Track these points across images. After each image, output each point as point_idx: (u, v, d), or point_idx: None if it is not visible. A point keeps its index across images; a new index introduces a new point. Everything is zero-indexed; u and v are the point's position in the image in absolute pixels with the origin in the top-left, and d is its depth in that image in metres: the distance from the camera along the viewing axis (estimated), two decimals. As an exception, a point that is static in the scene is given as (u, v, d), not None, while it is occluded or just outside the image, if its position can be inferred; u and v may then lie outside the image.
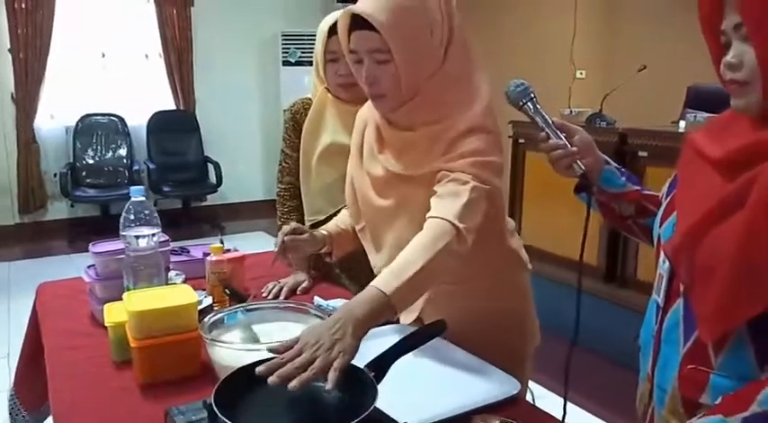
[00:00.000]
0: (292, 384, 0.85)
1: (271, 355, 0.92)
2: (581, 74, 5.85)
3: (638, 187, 1.17)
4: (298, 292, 1.69)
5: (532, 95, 1.18)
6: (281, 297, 1.66)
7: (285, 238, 1.38)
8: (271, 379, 0.86)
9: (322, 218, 1.76)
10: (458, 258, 1.13)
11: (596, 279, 3.31)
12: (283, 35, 6.09)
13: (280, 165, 1.90)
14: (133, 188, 1.43)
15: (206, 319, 1.20)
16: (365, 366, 0.94)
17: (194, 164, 5.87)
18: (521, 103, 1.18)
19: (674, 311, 0.97)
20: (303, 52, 6.11)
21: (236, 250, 1.74)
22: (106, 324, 1.28)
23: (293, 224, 1.43)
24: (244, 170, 6.26)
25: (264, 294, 1.68)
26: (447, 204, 1.15)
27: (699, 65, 4.92)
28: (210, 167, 5.82)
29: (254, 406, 0.89)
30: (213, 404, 0.85)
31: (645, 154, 3.05)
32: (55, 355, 1.35)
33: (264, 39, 6.21)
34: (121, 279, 1.45)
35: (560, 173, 1.15)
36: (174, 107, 5.94)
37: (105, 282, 1.49)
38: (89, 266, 1.58)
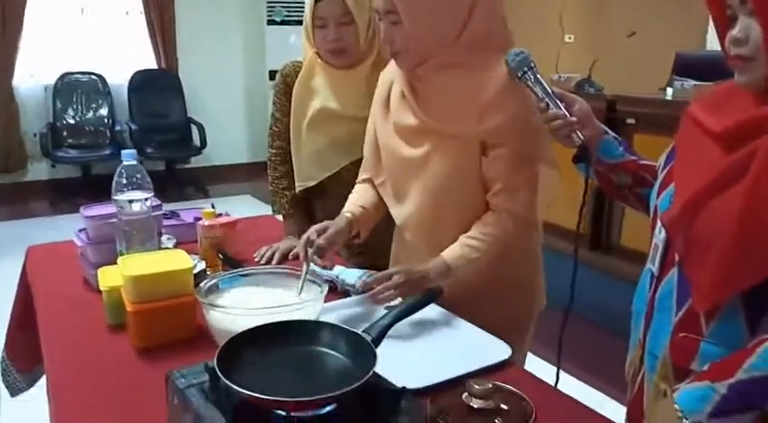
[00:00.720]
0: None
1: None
2: (569, 38, 5.82)
3: (635, 157, 1.18)
4: (290, 257, 1.69)
5: (532, 64, 1.18)
6: (274, 262, 1.67)
7: (319, 242, 1.35)
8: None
9: (312, 184, 1.77)
10: None
11: (582, 246, 3.35)
12: (269, -6, 5.96)
13: (270, 129, 1.88)
14: (125, 152, 1.41)
15: (202, 284, 1.20)
16: (363, 331, 0.96)
17: (177, 125, 5.79)
18: (520, 73, 1.18)
19: (668, 280, 0.99)
20: (289, 11, 6.00)
21: (227, 215, 1.74)
22: (101, 288, 1.28)
23: (315, 227, 1.40)
24: (228, 132, 6.19)
25: (257, 259, 1.69)
26: (511, 197, 1.30)
27: (686, 32, 4.93)
28: (194, 129, 5.74)
29: (255, 369, 0.89)
30: (216, 366, 0.86)
31: (633, 121, 3.07)
32: (48, 319, 1.36)
33: (248, -2, 6.08)
34: (113, 243, 1.45)
35: (560, 142, 1.17)
36: (155, 66, 5.82)
37: (97, 246, 1.48)
38: (80, 230, 1.57)
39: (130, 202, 1.37)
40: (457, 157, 1.29)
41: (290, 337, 0.95)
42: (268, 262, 1.67)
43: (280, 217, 1.93)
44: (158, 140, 5.59)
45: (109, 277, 1.31)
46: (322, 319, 1.17)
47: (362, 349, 0.91)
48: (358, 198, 1.52)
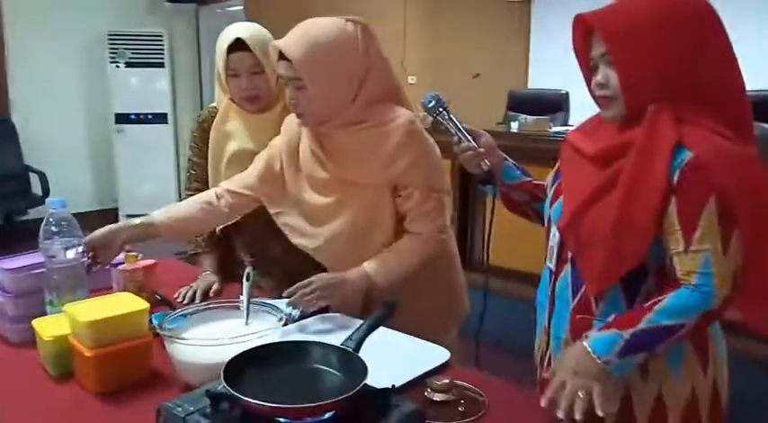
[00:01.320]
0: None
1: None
2: (412, 79, 6.30)
3: (530, 178, 1.42)
4: (211, 294, 1.74)
5: (445, 105, 1.38)
6: (197, 300, 1.70)
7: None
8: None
9: (234, 220, 1.80)
10: None
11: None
12: (110, 34, 5.75)
13: (188, 172, 1.96)
14: (52, 199, 1.42)
15: (161, 323, 1.23)
16: (343, 343, 1.08)
17: (14, 174, 5.32)
18: (435, 114, 1.38)
19: (563, 275, 1.22)
20: (134, 53, 5.84)
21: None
22: (45, 338, 1.25)
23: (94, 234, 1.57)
24: (72, 179, 5.80)
25: (179, 299, 1.71)
26: (426, 221, 1.48)
27: (513, 72, 5.59)
28: (33, 178, 5.32)
29: (256, 386, 0.96)
30: (224, 383, 0.93)
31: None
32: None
33: (89, 38, 5.81)
34: (37, 294, 1.41)
35: (470, 170, 1.38)
36: (-15, 111, 5.34)
37: (19, 299, 1.42)
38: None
39: (65, 249, 1.35)
40: (367, 202, 1.48)
41: (283, 356, 1.05)
42: (191, 301, 1.70)
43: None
44: (-8, 191, 5.10)
45: (48, 327, 1.28)
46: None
47: (351, 361, 1.03)
48: (172, 209, 1.70)
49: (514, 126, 3.64)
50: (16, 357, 1.37)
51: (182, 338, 1.19)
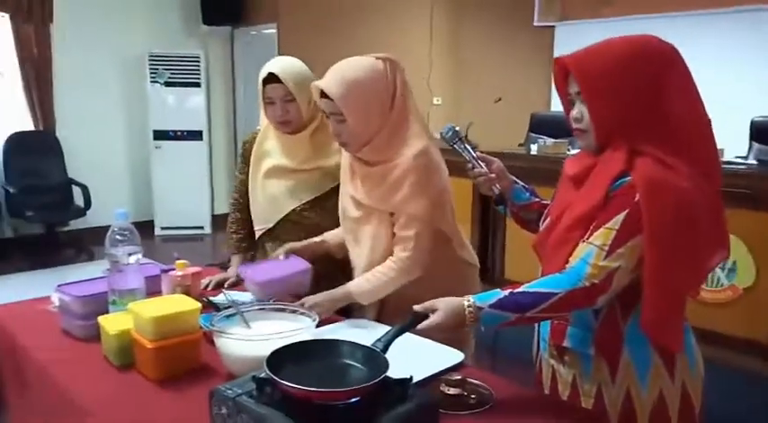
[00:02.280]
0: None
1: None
2: (437, 100, 6.49)
3: (538, 199, 1.59)
4: (225, 286, 2.03)
5: (461, 136, 1.56)
6: (210, 288, 2.01)
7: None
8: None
9: (270, 226, 2.09)
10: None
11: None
12: (151, 56, 6.07)
13: (234, 185, 2.26)
14: (118, 211, 1.61)
15: (212, 321, 1.42)
16: (373, 344, 1.25)
17: (58, 186, 5.63)
18: (452, 143, 1.56)
19: None
20: (173, 73, 6.14)
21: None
22: (111, 333, 1.45)
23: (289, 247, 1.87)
24: (111, 192, 6.10)
25: (203, 287, 1.99)
26: (402, 246, 1.68)
27: (536, 95, 5.74)
28: (76, 190, 5.62)
29: (294, 375, 1.12)
30: (267, 370, 1.11)
31: (506, 173, 3.61)
32: (53, 368, 1.47)
33: (131, 58, 6.14)
34: (98, 295, 1.62)
35: (483, 192, 1.55)
36: (32, 128, 5.66)
37: (84, 299, 1.62)
38: (60, 285, 1.70)
39: (129, 255, 1.55)
40: (377, 221, 1.73)
41: (317, 352, 1.22)
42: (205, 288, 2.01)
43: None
44: (37, 203, 5.40)
45: (113, 323, 1.48)
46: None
47: (375, 358, 1.20)
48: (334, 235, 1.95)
49: (534, 148, 3.78)
50: (82, 351, 1.56)
51: (230, 334, 1.38)
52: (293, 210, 2.05)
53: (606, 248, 1.19)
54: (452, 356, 1.50)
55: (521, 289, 1.24)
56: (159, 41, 6.23)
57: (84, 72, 5.90)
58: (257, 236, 2.13)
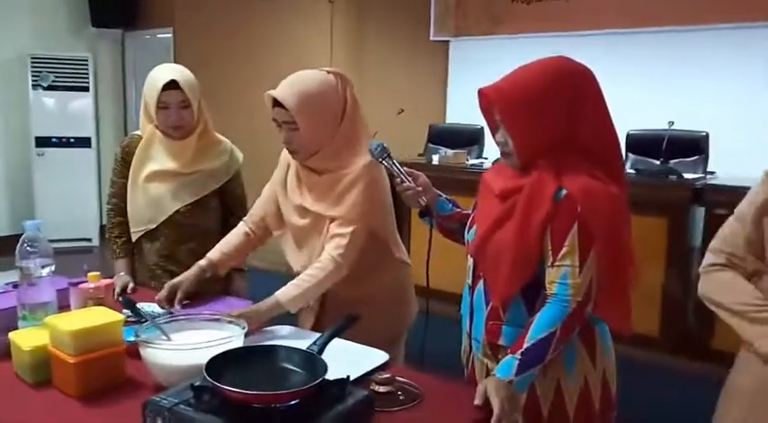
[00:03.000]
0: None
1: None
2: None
3: (459, 209, 1.68)
4: (128, 291, 2.06)
5: (388, 152, 1.64)
6: (115, 297, 1.92)
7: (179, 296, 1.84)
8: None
9: (153, 227, 2.16)
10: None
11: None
12: (33, 58, 5.69)
13: (109, 189, 2.28)
14: (28, 222, 1.53)
15: (137, 332, 1.38)
16: (308, 347, 1.28)
17: (-76, 197, 5.13)
18: (380, 159, 1.63)
19: (478, 288, 1.48)
20: (57, 76, 5.78)
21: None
22: (24, 349, 1.37)
23: (169, 283, 1.87)
24: (-13, 203, 5.65)
25: None
26: (334, 245, 1.73)
27: (433, 107, 5.94)
28: (-54, 201, 5.15)
29: (233, 380, 1.14)
30: (206, 375, 1.11)
31: (411, 182, 3.74)
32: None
33: (9, 60, 5.71)
34: (6, 311, 1.53)
35: (410, 205, 1.64)
36: None
37: (-8, 315, 1.53)
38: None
39: (42, 267, 1.48)
40: (326, 229, 1.78)
41: (254, 357, 1.24)
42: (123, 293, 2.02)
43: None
44: None
45: (26, 339, 1.40)
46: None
47: (313, 361, 1.24)
48: (224, 245, 1.98)
49: (435, 159, 3.95)
50: (-12, 368, 1.47)
51: (160, 344, 1.35)
52: (177, 211, 2.15)
53: (576, 264, 1.31)
54: (379, 357, 1.56)
55: (526, 345, 1.31)
56: (42, 43, 5.85)
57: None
58: (134, 238, 2.19)
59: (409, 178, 1.59)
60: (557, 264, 1.33)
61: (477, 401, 1.28)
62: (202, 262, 1.92)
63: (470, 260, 1.52)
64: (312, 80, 1.73)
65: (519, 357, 1.31)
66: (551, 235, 1.33)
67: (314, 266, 1.73)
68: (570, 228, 1.31)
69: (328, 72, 1.76)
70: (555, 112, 1.34)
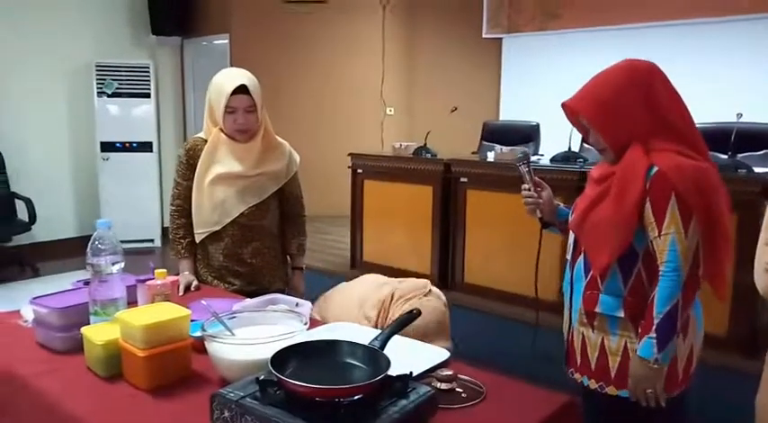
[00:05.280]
0: None
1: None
2: (390, 111, 6.59)
3: None
4: (192, 289, 2.14)
5: (527, 161, 1.75)
6: (180, 293, 2.06)
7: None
8: None
9: (218, 228, 2.22)
10: None
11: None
12: (98, 66, 5.91)
13: (172, 190, 2.31)
14: (100, 221, 1.58)
15: (203, 328, 1.41)
16: (370, 342, 1.28)
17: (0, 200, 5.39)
18: (518, 164, 1.76)
19: (578, 262, 1.61)
20: (120, 84, 6.00)
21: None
22: (97, 343, 1.42)
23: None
24: (55, 207, 5.89)
25: None
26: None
27: (486, 105, 5.90)
28: (20, 204, 5.40)
29: (297, 375, 1.16)
30: (271, 368, 1.12)
31: (465, 179, 3.71)
32: (37, 381, 1.43)
33: (76, 69, 5.96)
34: (79, 306, 1.58)
35: (527, 213, 1.77)
36: (-28, 139, 5.42)
37: (64, 311, 1.58)
38: (34, 298, 1.65)
39: (112, 264, 1.53)
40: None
41: (318, 352, 1.25)
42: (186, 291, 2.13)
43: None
44: (-22, 218, 5.16)
45: (98, 334, 1.45)
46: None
47: (376, 356, 1.24)
48: None
49: (491, 155, 3.90)
50: (64, 363, 1.53)
51: (225, 339, 1.38)
52: (241, 213, 2.20)
53: (681, 231, 1.42)
54: (440, 354, 1.55)
55: (656, 322, 1.43)
56: (106, 51, 6.08)
57: (26, 83, 5.69)
58: (199, 239, 2.24)
59: (537, 189, 1.74)
60: (663, 233, 1.43)
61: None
62: None
63: (571, 237, 1.65)
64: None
65: (654, 335, 1.43)
66: (652, 209, 1.44)
67: None
68: (668, 200, 1.42)
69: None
70: (632, 104, 1.47)
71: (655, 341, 1.42)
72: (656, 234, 1.44)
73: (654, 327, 1.43)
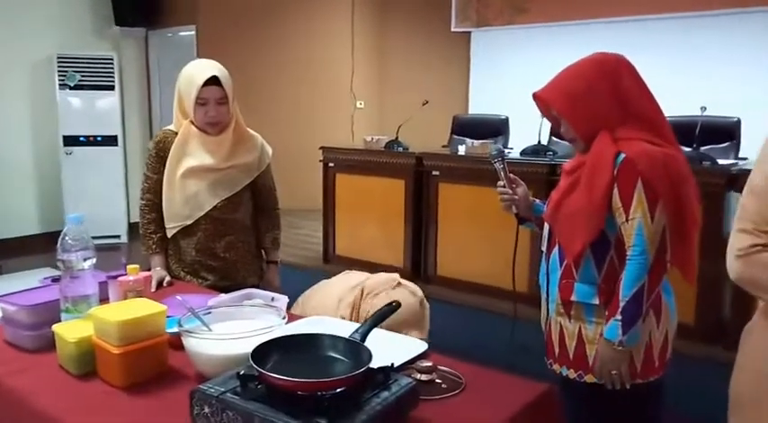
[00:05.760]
0: None
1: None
2: (360, 104, 6.57)
3: None
4: (164, 285, 2.12)
5: (503, 158, 1.76)
6: (153, 288, 2.06)
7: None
8: None
9: (190, 223, 2.18)
10: None
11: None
12: (59, 58, 5.76)
13: (142, 184, 2.26)
14: (71, 215, 1.54)
15: (180, 323, 1.39)
16: (350, 335, 1.28)
17: (-43, 197, 5.23)
18: (493, 161, 1.76)
19: (553, 253, 1.64)
20: (83, 76, 5.85)
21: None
22: (69, 340, 1.39)
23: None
24: (17, 202, 5.73)
25: None
26: None
27: (457, 99, 5.92)
28: (-21, 200, 5.25)
29: (279, 368, 1.14)
30: (252, 362, 1.11)
31: (437, 173, 3.73)
32: (9, 381, 1.39)
33: (37, 61, 5.80)
34: (48, 303, 1.55)
35: (503, 209, 1.78)
36: (-74, 134, 5.23)
37: (34, 308, 1.54)
38: (1, 296, 1.61)
39: (84, 260, 1.50)
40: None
41: (298, 346, 1.24)
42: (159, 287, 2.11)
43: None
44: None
45: (69, 331, 1.42)
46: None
47: (358, 348, 1.23)
48: None
49: (462, 149, 3.93)
50: (35, 362, 1.49)
51: (203, 334, 1.36)
52: (214, 207, 2.17)
53: (647, 214, 1.45)
54: (418, 346, 1.56)
55: (621, 304, 1.46)
56: (68, 43, 5.92)
57: (-16, 74, 5.52)
58: (170, 234, 2.21)
59: (512, 185, 1.75)
60: (630, 218, 1.47)
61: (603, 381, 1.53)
62: None
63: (546, 228, 1.68)
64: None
65: (619, 318, 1.46)
66: (619, 195, 1.47)
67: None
68: (635, 185, 1.45)
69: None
70: (601, 95, 1.52)
71: (620, 323, 1.46)
72: (624, 219, 1.47)
73: (620, 309, 1.47)
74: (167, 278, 2.14)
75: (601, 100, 1.51)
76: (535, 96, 1.62)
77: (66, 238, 1.51)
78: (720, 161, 3.29)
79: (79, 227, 1.54)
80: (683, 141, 3.83)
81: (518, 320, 1.92)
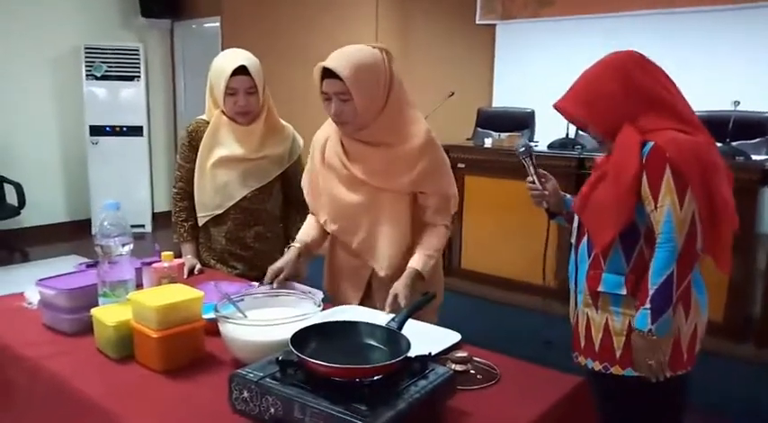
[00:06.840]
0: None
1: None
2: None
3: None
4: (195, 272, 2.12)
5: (531, 153, 1.75)
6: (185, 276, 2.03)
7: (278, 280, 1.81)
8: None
9: (220, 212, 2.19)
10: None
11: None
12: (87, 49, 5.82)
13: (176, 173, 2.28)
14: (107, 202, 1.56)
15: (217, 308, 1.40)
16: (387, 323, 1.28)
17: (-13, 185, 5.32)
18: (522, 157, 1.75)
19: (582, 244, 1.64)
20: (110, 67, 5.91)
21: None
22: (108, 324, 1.41)
23: (274, 269, 1.82)
24: (44, 191, 5.82)
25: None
26: (445, 215, 1.82)
27: (481, 92, 5.85)
28: (9, 188, 5.33)
29: (317, 355, 1.15)
30: (291, 348, 1.12)
31: (463, 165, 3.72)
32: (48, 363, 1.42)
33: (64, 52, 5.87)
34: (86, 288, 1.57)
35: (534, 204, 1.79)
36: (-42, 122, 5.33)
37: (73, 292, 1.57)
38: (41, 280, 1.63)
39: (122, 245, 1.51)
40: (390, 204, 1.79)
41: (336, 333, 1.24)
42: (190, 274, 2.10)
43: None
44: (-35, 202, 5.09)
45: (108, 315, 1.44)
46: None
47: (395, 337, 1.24)
48: (309, 229, 1.97)
49: (488, 142, 3.90)
50: (73, 345, 1.51)
51: (240, 320, 1.37)
52: (244, 197, 2.16)
53: (676, 202, 1.44)
54: (452, 336, 1.55)
55: (651, 293, 1.45)
56: (95, 34, 5.99)
57: (14, 66, 5.59)
58: (201, 223, 2.22)
59: (541, 180, 1.75)
60: (659, 205, 1.45)
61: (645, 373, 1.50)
62: (297, 244, 1.91)
63: (575, 220, 1.68)
64: (363, 52, 1.72)
65: (648, 306, 1.45)
66: (648, 183, 1.46)
67: (439, 236, 1.82)
68: (663, 173, 1.44)
69: (373, 47, 1.76)
70: (610, 92, 1.51)
71: (649, 312, 1.45)
72: (653, 207, 1.46)
73: (649, 297, 1.46)
74: (198, 266, 2.16)
75: (615, 101, 1.51)
76: (555, 107, 1.63)
77: (105, 223, 1.53)
78: (754, 157, 3.23)
79: (117, 213, 1.55)
80: (715, 136, 3.78)
81: (545, 315, 1.91)
